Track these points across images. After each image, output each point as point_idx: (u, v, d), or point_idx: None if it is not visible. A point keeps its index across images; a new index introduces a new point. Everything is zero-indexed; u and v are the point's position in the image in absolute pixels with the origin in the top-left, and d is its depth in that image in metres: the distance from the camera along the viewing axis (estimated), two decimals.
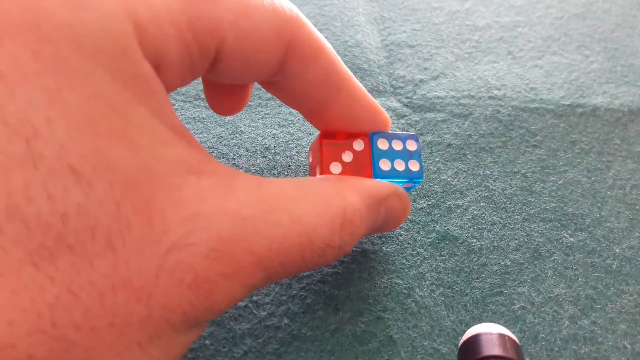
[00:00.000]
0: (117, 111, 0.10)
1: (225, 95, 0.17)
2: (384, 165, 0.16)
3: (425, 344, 0.17)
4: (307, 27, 0.14)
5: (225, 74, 0.14)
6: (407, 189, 0.17)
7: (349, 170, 0.16)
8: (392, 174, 0.16)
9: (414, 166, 0.16)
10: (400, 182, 0.16)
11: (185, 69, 0.12)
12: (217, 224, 0.11)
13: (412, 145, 0.17)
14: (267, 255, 0.12)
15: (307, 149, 0.22)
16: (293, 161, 0.21)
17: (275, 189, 0.13)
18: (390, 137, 0.17)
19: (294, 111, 0.23)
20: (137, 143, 0.10)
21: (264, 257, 0.12)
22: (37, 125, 0.09)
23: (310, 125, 0.23)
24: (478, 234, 0.20)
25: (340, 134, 0.16)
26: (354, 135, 0.16)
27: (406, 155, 0.16)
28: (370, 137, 0.16)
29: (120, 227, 0.10)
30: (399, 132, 0.18)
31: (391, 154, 0.16)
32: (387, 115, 0.17)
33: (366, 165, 0.16)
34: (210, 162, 0.12)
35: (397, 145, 0.16)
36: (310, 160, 0.18)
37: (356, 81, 0.16)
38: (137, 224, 0.10)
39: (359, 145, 0.16)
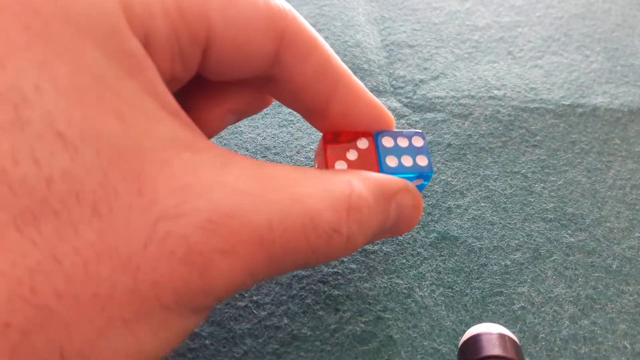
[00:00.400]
0: (106, 84, 0.10)
1: (205, 119, 0.17)
2: (391, 161, 0.16)
3: (425, 344, 0.17)
4: (300, 21, 0.14)
5: (219, 65, 0.14)
6: (419, 188, 0.17)
7: (354, 168, 0.15)
8: (400, 170, 0.16)
9: (422, 161, 0.16)
10: (410, 179, 0.16)
11: (175, 53, 0.12)
12: (213, 196, 0.11)
13: (418, 142, 0.16)
14: (268, 234, 0.11)
15: (307, 149, 0.22)
16: (293, 161, 0.21)
17: (274, 171, 0.12)
18: (395, 135, 0.16)
19: (294, 111, 0.23)
20: (126, 117, 0.10)
21: (264, 236, 0.11)
22: (26, 93, 0.09)
23: (310, 125, 0.23)
24: (478, 234, 0.20)
25: (344, 137, 0.16)
26: (357, 136, 0.16)
27: (413, 151, 0.16)
28: (374, 137, 0.16)
29: (107, 194, 0.10)
30: (404, 130, 0.18)
31: (397, 151, 0.16)
32: (390, 114, 0.16)
33: (372, 164, 0.16)
34: (205, 140, 0.12)
35: (403, 142, 0.16)
36: (316, 167, 0.17)
37: (354, 77, 0.16)
38: (125, 192, 0.10)
39: (363, 143, 0.16)
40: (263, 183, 0.12)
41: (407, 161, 0.16)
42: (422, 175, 0.16)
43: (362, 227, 0.13)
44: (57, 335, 0.09)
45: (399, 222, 0.15)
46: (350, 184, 0.13)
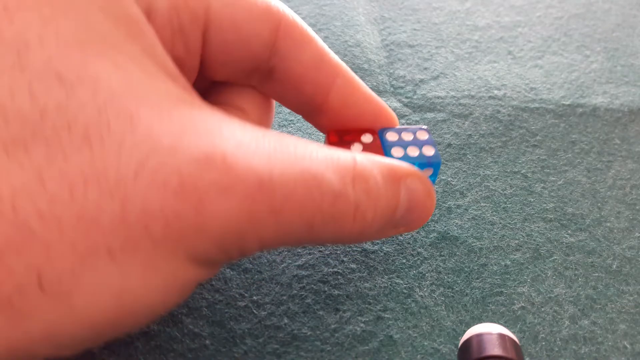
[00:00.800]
0: (108, 42, 0.10)
1: None
2: (397, 152, 0.15)
3: (425, 343, 0.17)
4: (295, 16, 0.15)
5: (220, 52, 0.14)
6: (430, 179, 0.16)
7: None
8: (407, 159, 0.15)
9: (429, 151, 0.16)
10: (419, 168, 0.16)
11: (175, 30, 0.12)
12: (210, 137, 0.10)
13: (423, 135, 0.16)
14: (268, 181, 0.10)
15: None
16: None
17: (272, 134, 0.12)
18: (399, 130, 0.16)
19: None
20: (126, 69, 0.10)
21: (264, 182, 0.10)
22: (29, 41, 0.09)
23: (310, 125, 0.23)
24: (478, 234, 0.20)
25: (348, 137, 0.16)
26: (361, 134, 0.16)
27: (419, 143, 0.16)
28: (379, 133, 0.16)
29: (99, 127, 0.09)
30: (408, 126, 0.17)
31: (403, 143, 0.16)
32: (391, 110, 0.16)
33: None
34: (204, 101, 0.12)
35: (408, 136, 0.16)
36: None
37: (352, 71, 0.16)
38: (118, 127, 0.10)
39: (367, 138, 0.16)
40: (261, 140, 0.11)
41: (413, 151, 0.16)
42: (430, 164, 0.15)
43: (371, 198, 0.12)
44: (36, 259, 0.09)
45: (411, 211, 0.14)
46: (354, 157, 0.12)
